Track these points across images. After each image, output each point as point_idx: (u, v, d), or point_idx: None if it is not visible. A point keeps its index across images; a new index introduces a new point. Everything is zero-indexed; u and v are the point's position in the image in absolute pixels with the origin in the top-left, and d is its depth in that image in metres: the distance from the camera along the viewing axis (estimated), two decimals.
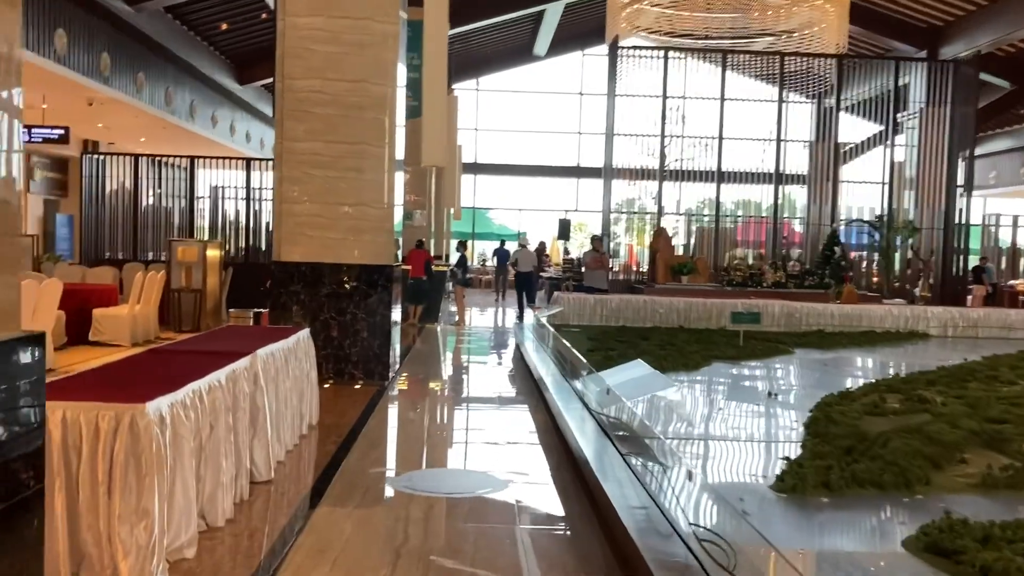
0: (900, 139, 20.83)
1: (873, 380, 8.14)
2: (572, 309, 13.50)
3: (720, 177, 18.46)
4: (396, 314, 9.36)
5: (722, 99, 19.15)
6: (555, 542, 4.29)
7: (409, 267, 15.30)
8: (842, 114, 21.02)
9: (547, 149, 31.94)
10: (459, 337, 14.51)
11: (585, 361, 7.13)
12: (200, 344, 5.61)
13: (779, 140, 19.31)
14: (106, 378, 4.10)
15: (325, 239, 8.69)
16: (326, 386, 8.47)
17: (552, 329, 10.17)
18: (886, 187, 20.07)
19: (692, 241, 18.78)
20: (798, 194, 20.11)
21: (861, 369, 10.39)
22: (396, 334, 9.44)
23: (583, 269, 15.20)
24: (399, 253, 16.28)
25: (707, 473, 4.80)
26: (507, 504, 4.86)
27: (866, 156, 21.48)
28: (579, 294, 14.01)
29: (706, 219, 18.34)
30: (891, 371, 9.39)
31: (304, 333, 6.52)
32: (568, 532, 4.44)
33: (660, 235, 16.76)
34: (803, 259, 18.13)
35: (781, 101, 19.42)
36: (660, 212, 17.94)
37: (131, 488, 3.45)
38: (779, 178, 19.07)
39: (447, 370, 10.78)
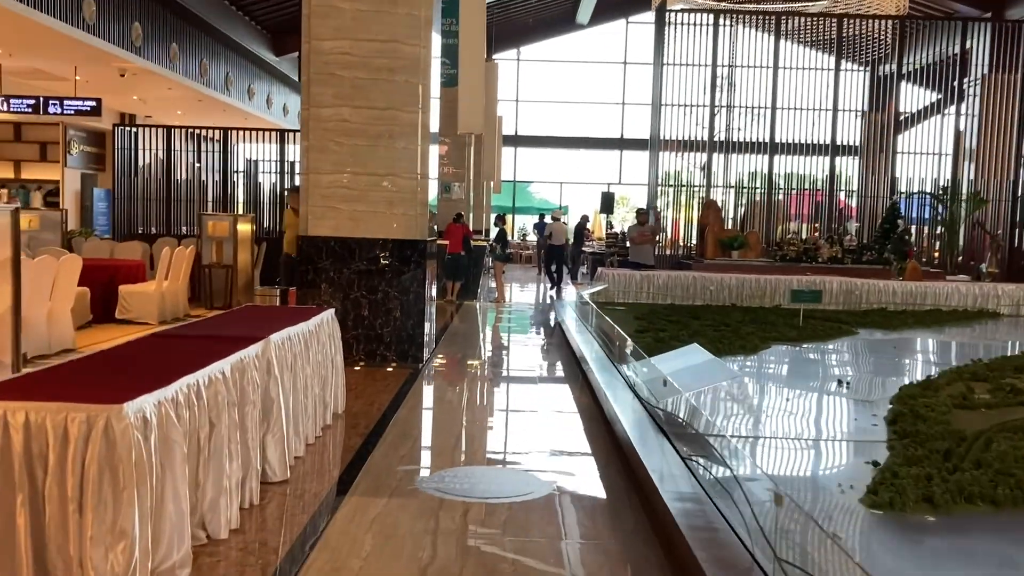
0: (961, 107, 19.76)
1: (953, 366, 7.39)
2: (617, 286, 12.84)
3: (773, 148, 17.58)
4: (431, 292, 8.81)
5: (775, 67, 18.21)
6: (607, 561, 3.70)
7: (447, 242, 14.76)
8: (901, 83, 20.00)
9: (590, 120, 31.11)
10: (498, 315, 13.94)
11: (635, 346, 6.50)
12: (210, 328, 5.07)
13: (835, 109, 18.35)
14: (86, 371, 3.57)
15: (354, 212, 8.13)
16: (356, 368, 7.96)
17: (597, 308, 9.54)
18: (946, 158, 19.04)
19: (740, 214, 17.96)
20: (847, 166, 19.12)
21: (934, 353, 9.61)
22: (431, 313, 8.88)
23: (628, 244, 14.51)
24: (435, 227, 15.69)
25: (782, 481, 4.15)
26: (551, 511, 4.27)
27: (922, 126, 20.45)
28: (624, 270, 13.33)
29: (758, 191, 17.48)
30: (969, 355, 8.60)
31: (328, 314, 5.97)
32: (621, 547, 3.84)
33: (710, 208, 15.97)
34: (859, 233, 17.23)
35: (838, 69, 18.42)
36: (709, 184, 17.13)
37: (106, 504, 2.91)
38: (835, 149, 18.14)
39: (486, 351, 10.21)
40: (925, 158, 19.51)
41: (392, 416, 6.16)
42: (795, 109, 18.38)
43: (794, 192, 18.04)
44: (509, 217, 28.33)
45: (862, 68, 20.16)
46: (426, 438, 5.81)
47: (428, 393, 7.46)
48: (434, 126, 9.10)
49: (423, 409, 6.76)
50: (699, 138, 17.50)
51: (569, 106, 31.07)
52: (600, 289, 12.49)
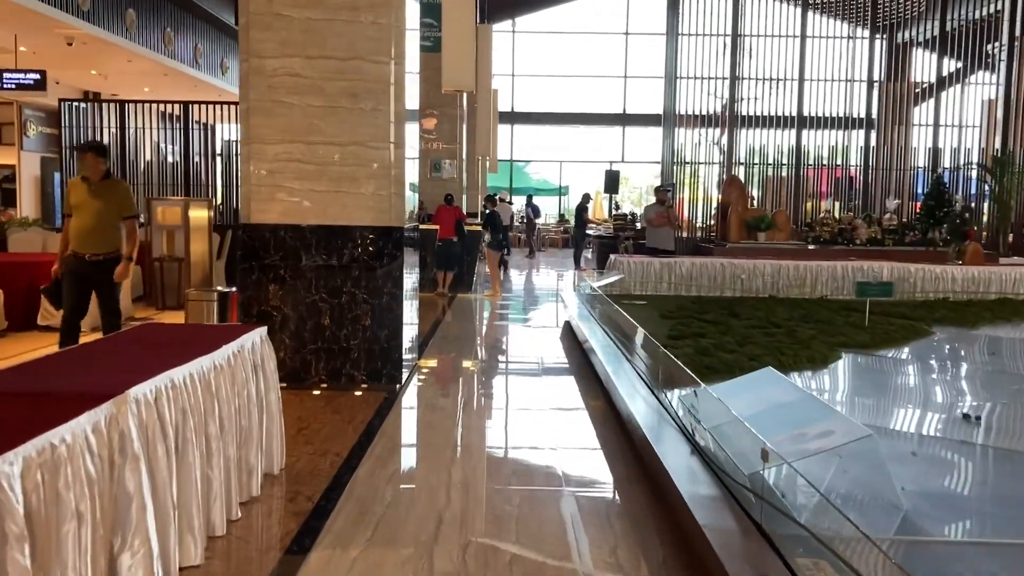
0: (985, 75, 18.22)
1: None
2: (634, 276, 11.07)
3: (800, 122, 15.78)
4: (410, 292, 7.04)
5: (803, 36, 16.36)
6: None
7: (437, 227, 13.00)
8: (918, 50, 18.45)
9: (590, 96, 29.21)
10: (494, 310, 12.16)
11: (689, 372, 4.71)
12: (46, 373, 3.28)
13: (870, 80, 16.53)
14: None
15: (310, 193, 6.35)
16: (316, 393, 6.22)
17: (616, 306, 7.78)
18: (972, 130, 17.33)
19: (760, 193, 16.18)
20: (859, 138, 17.31)
21: None
22: (411, 317, 7.12)
23: (643, 226, 12.67)
24: (416, 210, 13.79)
25: None
26: None
27: (943, 95, 18.81)
28: (641, 257, 11.55)
29: (784, 167, 15.65)
30: None
31: (254, 336, 4.20)
32: None
33: (733, 184, 14.16)
34: (899, 211, 15.44)
35: (872, 37, 16.57)
36: (730, 161, 15.28)
37: None
38: (869, 122, 16.34)
39: (481, 360, 8.44)
40: (948, 130, 17.85)
41: (351, 476, 4.41)
42: (820, 80, 16.58)
43: (823, 167, 16.25)
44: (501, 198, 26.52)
45: (880, 35, 18.46)
46: (395, 517, 4.03)
47: (405, 431, 5.68)
48: (413, 87, 7.32)
49: (396, 461, 4.97)
50: (715, 112, 15.66)
51: (568, 81, 29.18)
52: (615, 280, 10.72)
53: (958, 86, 18.44)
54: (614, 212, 20.54)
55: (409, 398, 6.41)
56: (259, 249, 6.35)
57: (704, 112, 15.49)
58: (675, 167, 15.30)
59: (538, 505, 4.13)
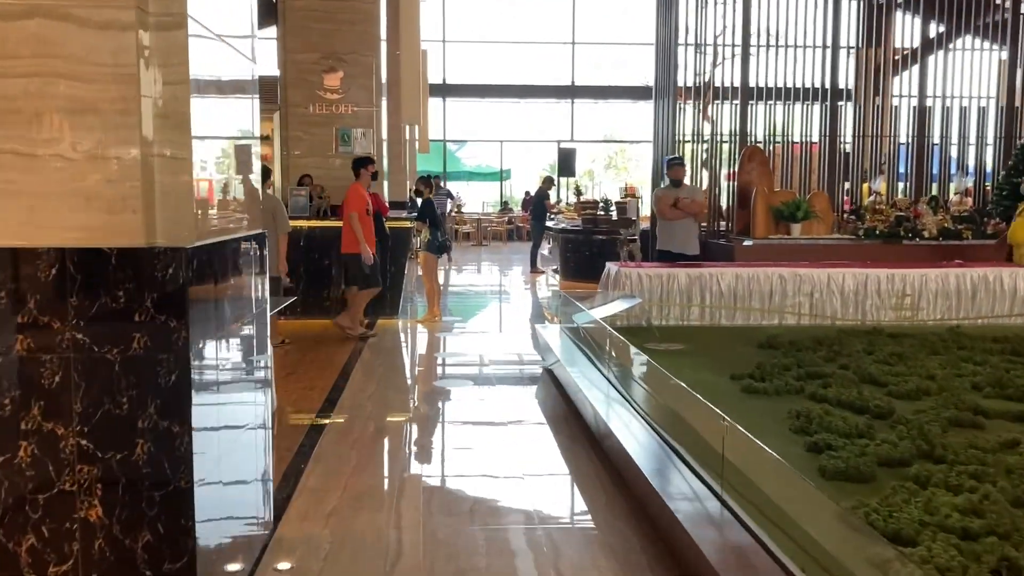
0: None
1: None
2: (651, 295, 7.12)
3: (835, 94, 12.00)
4: (235, 405, 2.99)
5: None
6: None
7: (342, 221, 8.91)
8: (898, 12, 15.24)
9: (533, 66, 25.37)
10: (432, 349, 8.13)
11: None
12: None
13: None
14: None
15: None
16: None
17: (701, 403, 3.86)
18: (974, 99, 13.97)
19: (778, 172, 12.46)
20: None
21: None
22: (233, 493, 3.08)
23: (656, 220, 8.67)
24: (306, 197, 9.47)
25: None
26: None
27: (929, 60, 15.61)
28: (657, 268, 7.57)
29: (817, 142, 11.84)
30: None
31: None
32: None
33: (754, 158, 10.33)
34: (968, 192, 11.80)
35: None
36: (744, 135, 11.32)
37: None
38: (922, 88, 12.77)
39: (418, 495, 4.42)
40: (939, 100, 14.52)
41: None
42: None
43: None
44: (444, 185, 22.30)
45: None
46: None
47: None
48: None
49: None
50: (723, 82, 11.79)
51: (506, 48, 25.24)
52: (624, 307, 6.77)
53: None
54: (576, 199, 16.59)
55: None
56: None
57: (718, 83, 11.58)
58: (677, 145, 11.35)
59: None
